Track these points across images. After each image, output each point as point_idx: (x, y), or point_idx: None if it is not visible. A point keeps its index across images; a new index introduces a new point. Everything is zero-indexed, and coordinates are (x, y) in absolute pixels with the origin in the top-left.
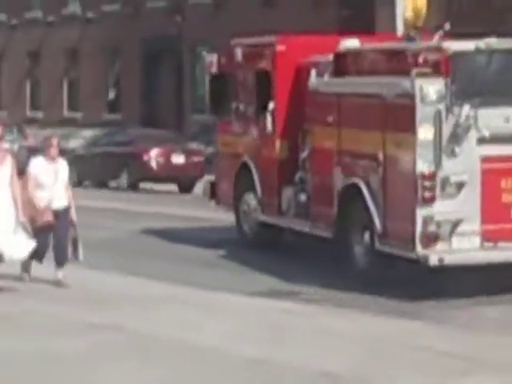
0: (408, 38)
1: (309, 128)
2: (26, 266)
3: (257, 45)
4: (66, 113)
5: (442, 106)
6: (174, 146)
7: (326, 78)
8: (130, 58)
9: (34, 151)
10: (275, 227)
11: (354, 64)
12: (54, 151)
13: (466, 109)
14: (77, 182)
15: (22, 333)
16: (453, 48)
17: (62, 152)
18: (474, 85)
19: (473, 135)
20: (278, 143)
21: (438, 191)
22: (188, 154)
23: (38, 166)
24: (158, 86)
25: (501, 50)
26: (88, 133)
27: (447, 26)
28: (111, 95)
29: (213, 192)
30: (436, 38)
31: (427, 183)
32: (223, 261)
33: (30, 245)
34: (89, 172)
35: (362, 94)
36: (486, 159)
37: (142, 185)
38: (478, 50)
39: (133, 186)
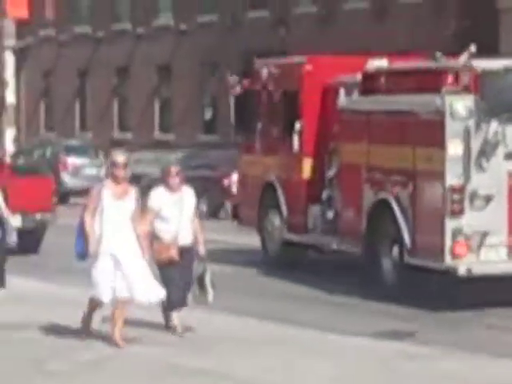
0: (435, 57)
1: (337, 146)
2: (166, 316)
3: (284, 65)
4: (157, 134)
5: (471, 123)
6: None
7: (355, 96)
8: (229, 73)
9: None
10: (299, 245)
11: (384, 83)
12: (173, 181)
13: (494, 125)
14: None
15: (123, 377)
16: (482, 67)
17: (138, 177)
18: (502, 102)
19: (500, 151)
20: (304, 162)
21: (466, 204)
22: None
23: (158, 197)
24: None
25: None
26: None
27: (473, 48)
28: (207, 115)
29: (235, 213)
30: (464, 57)
31: (456, 196)
32: (310, 293)
33: (158, 288)
34: None
35: (393, 112)
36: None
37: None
38: (506, 69)
39: (213, 213)
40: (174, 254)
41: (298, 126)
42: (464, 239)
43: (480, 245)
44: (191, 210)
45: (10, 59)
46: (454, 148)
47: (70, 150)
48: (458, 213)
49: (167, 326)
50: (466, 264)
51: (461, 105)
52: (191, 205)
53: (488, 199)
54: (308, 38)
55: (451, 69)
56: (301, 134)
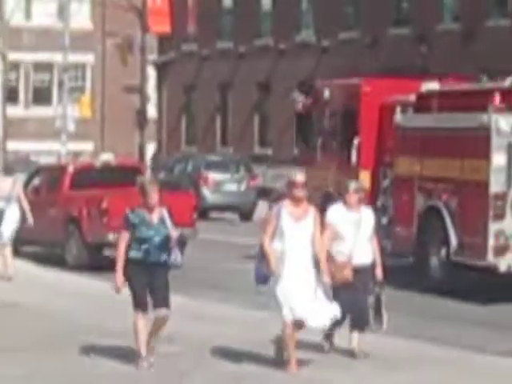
0: (481, 80)
1: (392, 159)
2: (328, 334)
3: (344, 85)
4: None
5: None
6: None
7: (410, 114)
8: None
9: (262, 193)
10: None
11: (436, 102)
12: (351, 198)
13: None
14: None
15: None
16: None
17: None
18: None
19: None
20: (361, 174)
21: (508, 209)
22: None
23: (336, 214)
24: None
25: None
26: None
27: None
28: None
29: None
30: (510, 79)
31: (499, 202)
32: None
33: (334, 311)
34: None
35: (445, 128)
36: None
37: None
38: None
39: None
40: (348, 274)
41: (356, 141)
42: (505, 239)
43: None
44: (369, 229)
45: (152, 74)
46: (498, 160)
47: (211, 165)
48: (500, 217)
49: (327, 343)
50: (508, 261)
51: (505, 122)
52: (370, 224)
53: None
54: (450, 55)
55: (498, 89)
56: (358, 148)
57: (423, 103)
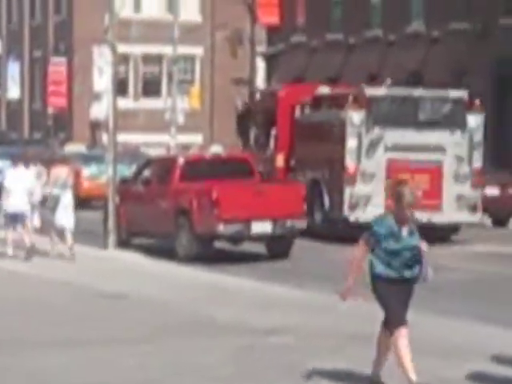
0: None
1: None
2: None
3: (268, 91)
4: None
5: (362, 128)
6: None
7: (306, 111)
8: (480, 83)
9: None
10: None
11: (321, 103)
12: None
13: (377, 130)
14: None
15: None
16: (369, 93)
17: None
18: (383, 116)
19: (381, 146)
20: (277, 156)
21: (358, 178)
22: (503, 186)
23: None
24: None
25: (399, 96)
26: None
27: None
28: None
29: None
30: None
31: (351, 174)
32: None
33: None
34: None
35: (323, 121)
36: (389, 160)
37: None
38: (386, 96)
39: None
40: None
41: (273, 132)
42: (355, 200)
43: (366, 204)
44: None
45: (261, 65)
46: (351, 143)
47: None
48: (352, 184)
49: None
50: (355, 215)
51: (356, 117)
52: None
53: (372, 176)
54: None
55: (353, 94)
56: (275, 138)
57: (315, 103)
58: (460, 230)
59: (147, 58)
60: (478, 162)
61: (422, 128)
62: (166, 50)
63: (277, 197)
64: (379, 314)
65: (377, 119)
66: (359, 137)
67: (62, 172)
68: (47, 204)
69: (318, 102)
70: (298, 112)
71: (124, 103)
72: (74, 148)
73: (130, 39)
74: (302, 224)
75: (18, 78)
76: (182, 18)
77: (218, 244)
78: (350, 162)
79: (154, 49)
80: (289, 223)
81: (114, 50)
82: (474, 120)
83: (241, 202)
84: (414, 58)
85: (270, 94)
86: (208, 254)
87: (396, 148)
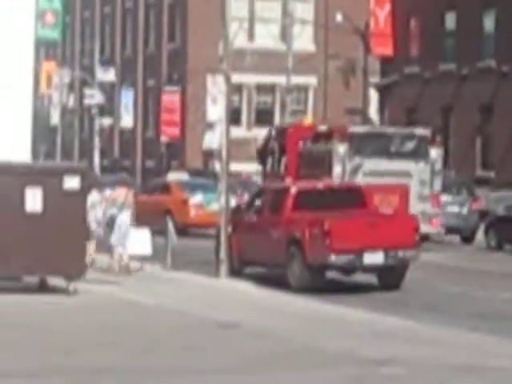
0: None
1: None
2: None
3: (281, 128)
4: None
5: (345, 157)
6: None
7: (307, 145)
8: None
9: (484, 216)
10: None
11: (318, 138)
12: None
13: (357, 159)
14: (495, 245)
15: None
16: (351, 130)
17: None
18: (362, 149)
19: (360, 172)
20: (287, 179)
21: None
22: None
23: None
24: None
25: (375, 133)
26: None
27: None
28: None
29: None
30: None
31: None
32: None
33: None
34: (510, 236)
35: (318, 152)
36: (367, 183)
37: None
38: (365, 133)
39: None
40: None
41: (283, 160)
42: None
43: None
44: None
45: (374, 96)
46: (337, 170)
47: None
48: None
49: None
50: None
51: (341, 148)
52: None
53: None
54: None
55: (339, 130)
56: (285, 165)
57: (314, 138)
58: (428, 240)
59: (260, 88)
60: (437, 186)
61: (393, 158)
62: (280, 79)
63: (388, 227)
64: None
65: (357, 151)
66: (343, 164)
67: (121, 193)
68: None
69: (316, 138)
70: (301, 145)
71: (237, 132)
72: (177, 176)
73: (243, 69)
74: (413, 255)
75: (131, 107)
76: (295, 48)
77: (330, 274)
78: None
79: (267, 78)
80: (400, 254)
81: (228, 79)
82: (435, 152)
83: (353, 232)
84: None
85: (282, 130)
86: (320, 284)
87: (372, 173)
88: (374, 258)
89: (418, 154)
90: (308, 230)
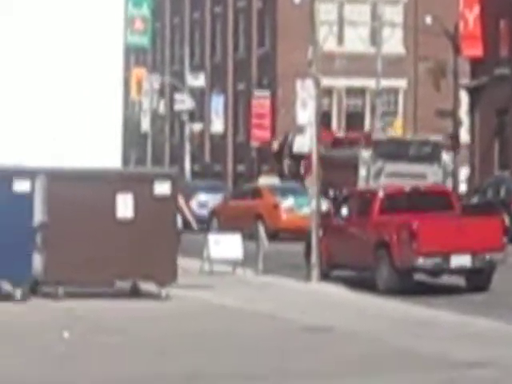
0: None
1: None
2: None
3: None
4: None
5: (370, 161)
6: None
7: (328, 149)
8: None
9: None
10: None
11: (337, 143)
12: None
13: (380, 163)
14: None
15: None
16: (374, 137)
17: None
18: (384, 154)
19: (383, 174)
20: (306, 180)
21: None
22: None
23: None
24: None
25: (395, 139)
26: None
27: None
28: None
29: None
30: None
31: None
32: None
33: None
34: None
35: (341, 156)
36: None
37: None
38: (386, 140)
39: None
40: None
41: (302, 163)
42: None
43: None
44: None
45: (464, 98)
46: (362, 172)
47: None
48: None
49: None
50: None
51: (366, 153)
52: None
53: None
54: None
55: (364, 137)
56: (305, 167)
57: (334, 143)
58: None
59: (350, 91)
60: (449, 186)
61: (411, 161)
62: (369, 82)
63: (475, 230)
64: None
65: (380, 155)
66: (368, 167)
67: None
68: None
69: (336, 143)
70: (321, 149)
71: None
72: (268, 180)
73: (333, 72)
74: (501, 257)
75: (221, 112)
76: (384, 51)
77: (418, 276)
78: (361, 185)
79: (357, 82)
80: (488, 257)
81: (317, 83)
82: (447, 157)
83: (440, 235)
84: None
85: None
86: (408, 287)
87: (393, 175)
88: (462, 260)
89: (433, 158)
90: (395, 233)
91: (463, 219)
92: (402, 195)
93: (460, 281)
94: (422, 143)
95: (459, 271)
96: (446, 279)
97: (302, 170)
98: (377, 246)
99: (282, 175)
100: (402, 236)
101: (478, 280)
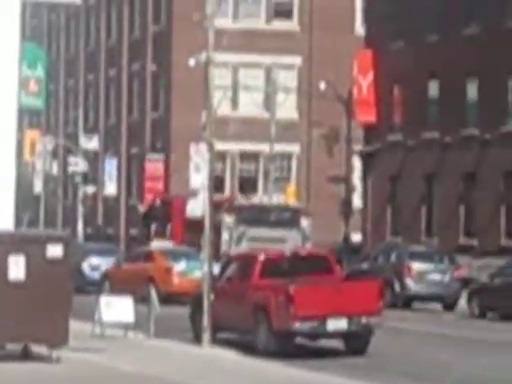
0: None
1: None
2: None
3: (164, 199)
4: (503, 241)
5: (233, 226)
6: None
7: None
8: None
9: (466, 282)
10: None
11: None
12: None
13: (242, 228)
14: (479, 313)
15: None
16: (237, 203)
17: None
18: (245, 220)
19: (245, 238)
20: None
21: None
22: None
23: None
24: None
25: (258, 206)
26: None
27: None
28: None
29: None
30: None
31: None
32: None
33: None
34: (493, 304)
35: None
36: (250, 248)
37: None
38: (249, 205)
39: None
40: None
41: (169, 226)
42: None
43: None
44: None
45: (357, 163)
46: (225, 236)
47: (415, 256)
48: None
49: None
50: None
51: (228, 219)
52: None
53: None
54: None
55: (228, 201)
56: (171, 230)
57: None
58: None
59: (244, 156)
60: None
61: (271, 226)
62: (263, 147)
63: (352, 294)
64: None
65: (242, 221)
66: (230, 232)
67: None
68: None
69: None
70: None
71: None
72: (161, 244)
73: (227, 137)
74: (377, 321)
75: (114, 175)
76: (278, 116)
77: (299, 340)
78: (224, 248)
79: (250, 146)
80: (364, 320)
81: (211, 147)
82: (305, 222)
83: (317, 299)
84: (510, 157)
85: (168, 201)
86: (288, 350)
87: (254, 240)
88: (338, 324)
89: (292, 223)
90: (273, 296)
91: (341, 283)
92: (283, 259)
93: (340, 344)
94: (282, 209)
95: (336, 335)
96: (324, 342)
97: (168, 233)
98: (256, 309)
99: (148, 237)
100: (280, 300)
101: (355, 343)
